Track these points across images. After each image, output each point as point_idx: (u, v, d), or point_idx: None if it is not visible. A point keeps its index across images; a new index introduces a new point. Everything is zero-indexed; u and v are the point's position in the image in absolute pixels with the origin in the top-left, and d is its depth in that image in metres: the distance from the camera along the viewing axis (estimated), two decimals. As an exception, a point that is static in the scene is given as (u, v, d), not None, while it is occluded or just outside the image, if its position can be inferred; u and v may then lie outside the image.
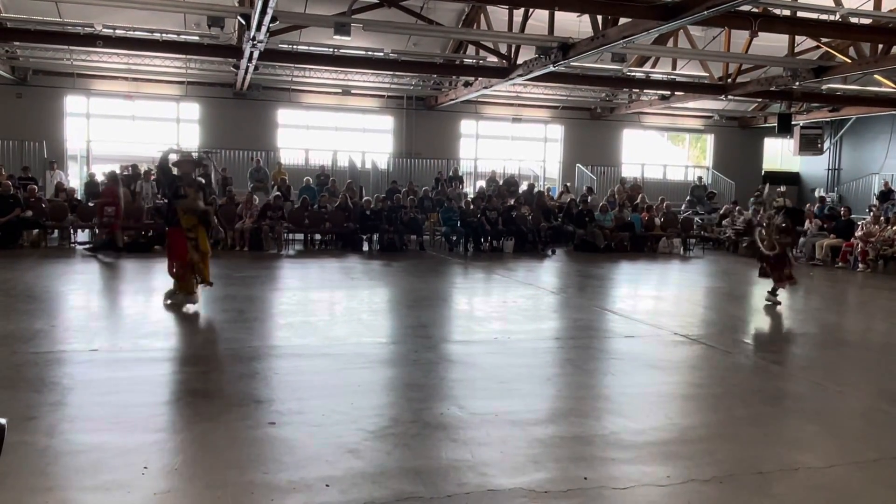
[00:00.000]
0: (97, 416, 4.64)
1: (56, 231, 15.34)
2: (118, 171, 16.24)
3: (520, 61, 15.34)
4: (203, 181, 8.57)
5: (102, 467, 3.79)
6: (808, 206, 19.83)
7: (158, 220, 14.17)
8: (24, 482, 3.53)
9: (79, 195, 16.21)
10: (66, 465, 3.86)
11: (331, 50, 15.99)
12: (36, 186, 15.44)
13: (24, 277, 10.65)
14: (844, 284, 13.52)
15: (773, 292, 10.05)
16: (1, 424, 1.90)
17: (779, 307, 9.89)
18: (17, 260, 12.40)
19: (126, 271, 12.06)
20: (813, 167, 24.11)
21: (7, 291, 9.41)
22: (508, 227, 16.70)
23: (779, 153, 25.03)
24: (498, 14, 15.10)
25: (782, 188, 18.11)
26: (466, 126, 22.16)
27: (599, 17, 12.08)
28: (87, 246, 13.95)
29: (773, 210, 10.24)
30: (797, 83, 15.61)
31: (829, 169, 23.59)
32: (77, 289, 10.43)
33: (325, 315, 9.01)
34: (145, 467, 3.78)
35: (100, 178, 16.73)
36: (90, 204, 14.98)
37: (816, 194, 21.46)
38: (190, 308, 8.17)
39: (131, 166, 16.86)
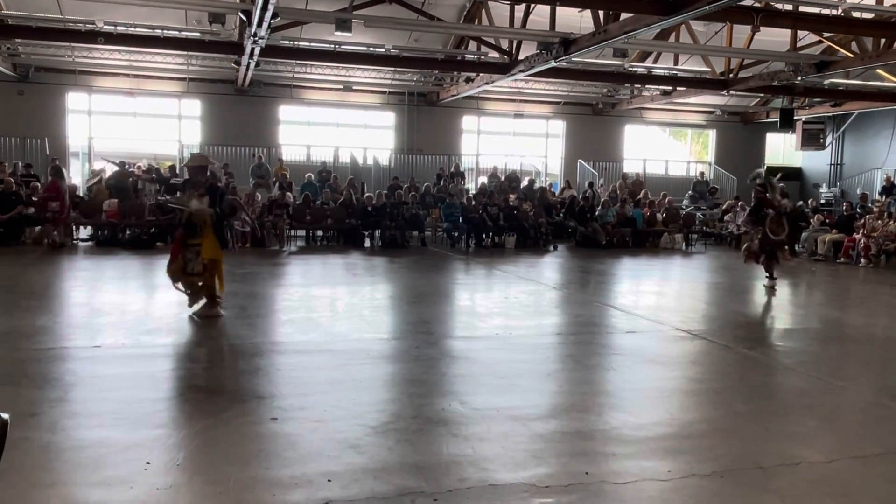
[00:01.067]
0: (99, 412, 4.65)
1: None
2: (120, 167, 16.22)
3: (521, 57, 15.32)
4: (214, 184, 8.06)
5: (105, 463, 3.81)
6: (810, 200, 19.83)
7: (160, 216, 14.19)
8: (27, 478, 3.54)
9: (81, 192, 16.23)
10: (68, 461, 3.86)
11: (332, 46, 15.96)
12: (38, 184, 15.45)
13: (26, 274, 10.68)
14: (846, 279, 13.51)
15: (771, 276, 10.72)
16: (4, 420, 1.91)
17: (775, 299, 10.28)
18: (20, 256, 12.43)
19: (128, 268, 12.08)
20: (815, 162, 24.06)
21: (9, 288, 9.44)
22: (510, 223, 16.69)
23: (781, 148, 24.98)
24: (499, 10, 15.08)
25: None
26: (468, 122, 22.14)
27: (601, 13, 12.04)
28: (87, 242, 13.93)
29: (780, 194, 10.73)
30: (799, 78, 15.58)
31: (831, 164, 23.54)
32: (79, 285, 10.47)
33: (327, 311, 9.03)
34: (147, 463, 3.80)
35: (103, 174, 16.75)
36: (34, 199, 14.38)
37: (858, 192, 21.06)
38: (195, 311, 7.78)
39: (119, 163, 16.78)
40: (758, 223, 11.09)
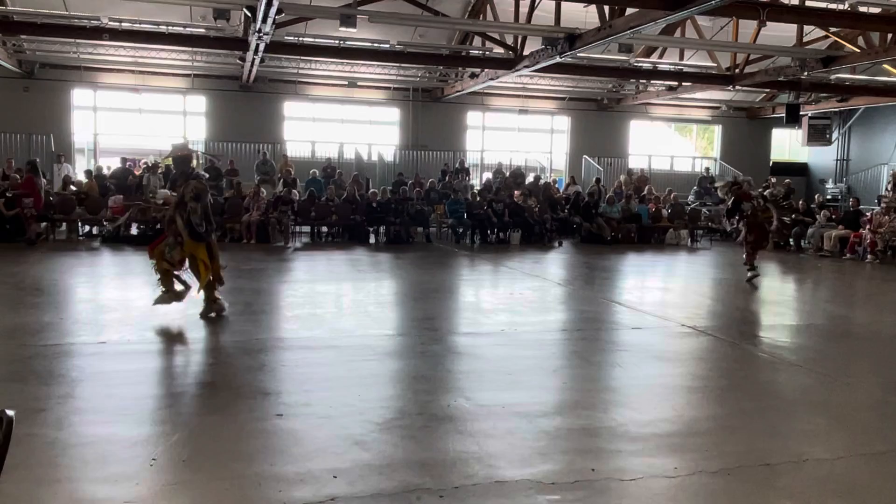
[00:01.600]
0: (105, 409, 4.66)
1: (64, 224, 15.39)
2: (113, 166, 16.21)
3: (526, 52, 15.27)
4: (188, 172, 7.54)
5: (110, 459, 3.81)
6: (816, 196, 19.75)
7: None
8: (33, 474, 3.54)
9: (96, 189, 16.25)
10: (74, 457, 3.87)
11: (337, 42, 15.95)
12: (44, 179, 15.47)
13: (32, 270, 10.70)
14: (853, 275, 13.47)
15: (753, 267, 11.15)
16: (10, 417, 1.90)
17: (780, 295, 10.33)
18: (26, 253, 12.46)
19: (134, 264, 12.08)
20: (821, 158, 23.98)
21: (15, 284, 9.47)
22: (515, 219, 16.67)
23: (787, 144, 24.90)
24: (504, 5, 15.02)
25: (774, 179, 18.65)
26: (473, 118, 22.09)
27: (606, 8, 12.01)
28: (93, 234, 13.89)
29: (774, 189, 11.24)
30: (805, 73, 15.51)
31: (837, 160, 23.45)
32: (85, 282, 10.48)
33: (332, 307, 9.03)
34: (153, 459, 3.80)
35: (105, 171, 16.81)
36: (8, 195, 14.05)
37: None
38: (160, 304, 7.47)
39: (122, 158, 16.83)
40: (742, 218, 11.53)
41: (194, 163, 7.65)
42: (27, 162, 14.83)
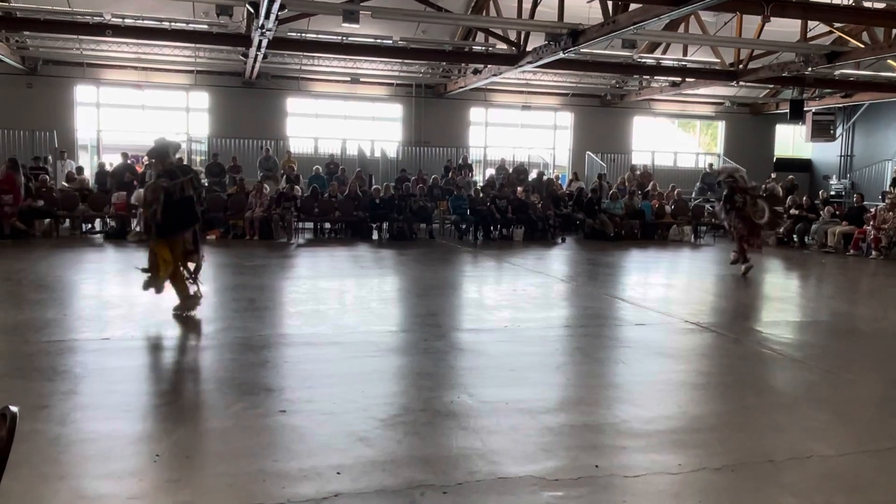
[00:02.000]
0: (109, 405, 4.65)
1: (67, 220, 15.41)
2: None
3: (529, 48, 15.25)
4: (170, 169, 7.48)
5: (114, 456, 3.81)
6: (820, 192, 19.71)
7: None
8: (36, 470, 3.54)
9: (90, 184, 16.28)
10: (77, 454, 3.87)
11: (339, 38, 15.94)
12: (47, 176, 15.50)
13: (35, 267, 10.71)
14: (856, 272, 13.43)
15: (746, 260, 11.32)
16: (13, 413, 1.90)
17: (784, 291, 10.30)
18: (29, 249, 12.48)
19: (137, 260, 12.07)
20: (825, 154, 23.92)
21: (19, 281, 9.48)
22: (518, 215, 16.66)
23: (790, 140, 24.83)
24: (507, 0, 15.01)
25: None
26: (476, 114, 22.08)
27: (610, 3, 11.98)
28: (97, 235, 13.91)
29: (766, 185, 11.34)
30: (809, 69, 15.46)
31: (841, 155, 23.39)
32: (88, 278, 10.49)
33: (335, 304, 9.03)
34: (157, 455, 3.80)
35: (107, 168, 16.82)
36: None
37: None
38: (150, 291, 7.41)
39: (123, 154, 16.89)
40: (733, 210, 11.60)
41: (174, 157, 7.59)
42: (9, 159, 14.84)
